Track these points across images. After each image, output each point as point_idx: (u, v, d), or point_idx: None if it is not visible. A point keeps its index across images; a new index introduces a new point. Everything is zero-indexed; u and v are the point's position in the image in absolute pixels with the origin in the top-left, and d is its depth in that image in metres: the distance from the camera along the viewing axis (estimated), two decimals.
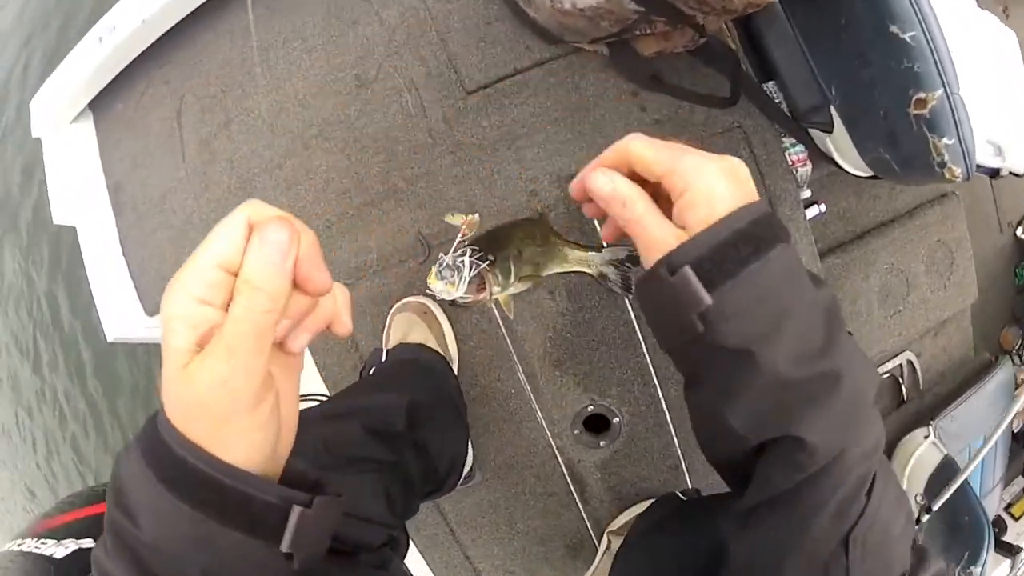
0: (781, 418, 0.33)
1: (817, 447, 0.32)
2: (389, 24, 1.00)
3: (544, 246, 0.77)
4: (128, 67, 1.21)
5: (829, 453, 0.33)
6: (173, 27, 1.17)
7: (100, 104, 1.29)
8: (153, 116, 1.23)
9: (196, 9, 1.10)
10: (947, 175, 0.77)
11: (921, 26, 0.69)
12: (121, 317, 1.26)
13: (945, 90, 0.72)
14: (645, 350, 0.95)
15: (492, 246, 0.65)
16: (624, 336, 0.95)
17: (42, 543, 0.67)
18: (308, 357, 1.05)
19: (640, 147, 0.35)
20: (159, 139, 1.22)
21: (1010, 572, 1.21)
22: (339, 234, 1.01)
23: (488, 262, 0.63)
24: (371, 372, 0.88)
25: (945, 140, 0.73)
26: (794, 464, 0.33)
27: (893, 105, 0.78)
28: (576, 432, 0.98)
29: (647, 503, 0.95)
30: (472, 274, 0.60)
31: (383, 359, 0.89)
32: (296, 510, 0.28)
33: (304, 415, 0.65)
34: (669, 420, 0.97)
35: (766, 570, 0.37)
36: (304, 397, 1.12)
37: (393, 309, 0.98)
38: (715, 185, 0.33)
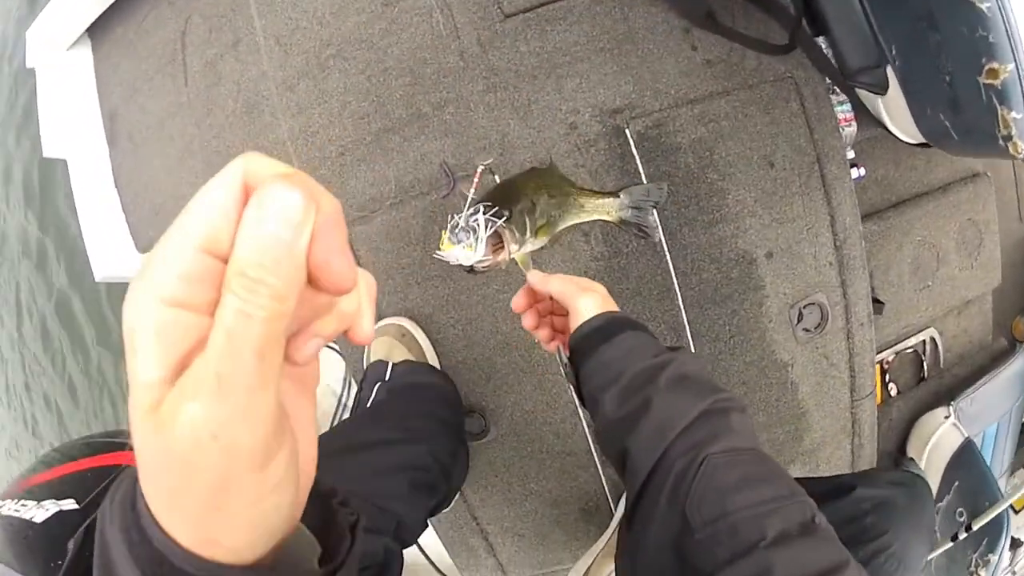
0: (619, 437, 0.51)
1: (639, 451, 0.49)
2: None
3: (558, 196, 0.70)
4: None
5: (652, 455, 0.48)
6: None
7: (99, 28, 1.19)
8: (155, 39, 1.13)
9: None
10: (1011, 149, 0.74)
11: None
12: (111, 255, 1.19)
13: (1017, 65, 0.68)
14: (681, 303, 0.89)
15: (504, 200, 0.60)
16: (661, 287, 0.89)
17: (22, 505, 0.66)
18: None
19: (556, 284, 0.59)
20: (160, 63, 1.12)
21: (1010, 564, 1.21)
22: (354, 162, 0.93)
23: (504, 218, 0.58)
24: (375, 390, 0.83)
25: (1014, 114, 0.70)
26: (632, 470, 0.49)
27: (961, 71, 0.74)
28: None
29: None
30: (489, 232, 0.56)
31: (387, 377, 0.85)
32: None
33: (344, 464, 0.65)
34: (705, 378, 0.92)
35: (644, 543, 0.49)
36: None
37: None
38: (583, 308, 0.56)
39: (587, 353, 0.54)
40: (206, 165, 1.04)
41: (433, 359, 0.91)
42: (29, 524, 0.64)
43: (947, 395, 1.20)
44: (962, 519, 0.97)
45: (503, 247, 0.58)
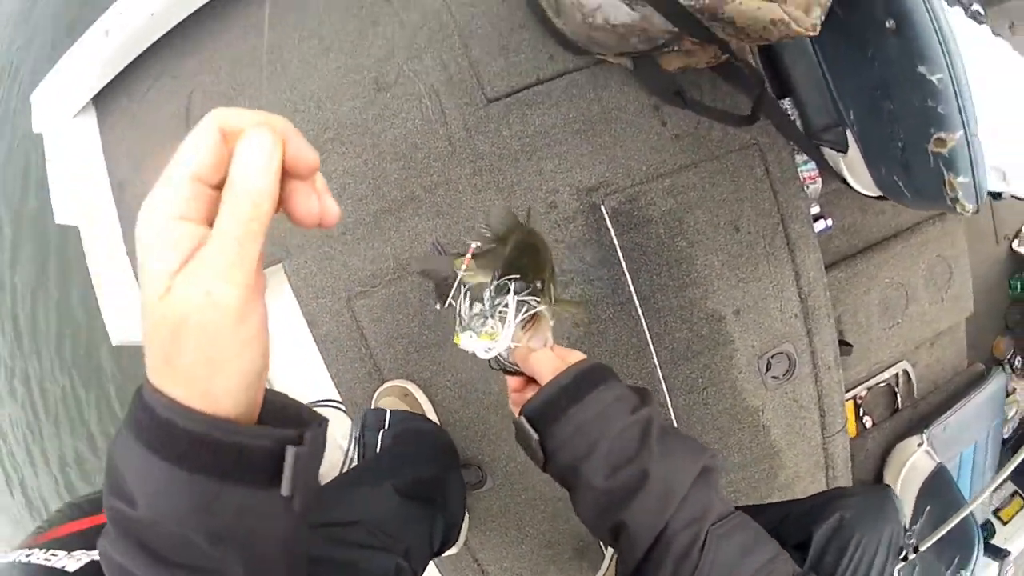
0: (610, 510, 0.46)
1: (638, 527, 0.45)
2: (411, 26, 0.99)
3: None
4: (134, 59, 1.18)
5: (653, 529, 0.45)
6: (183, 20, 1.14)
7: (104, 98, 1.22)
8: (161, 112, 1.18)
9: (206, 3, 1.07)
10: (959, 209, 0.79)
11: (949, 69, 0.71)
12: (127, 320, 1.22)
13: (965, 132, 0.73)
14: (656, 361, 0.97)
15: (527, 262, 0.52)
16: (636, 347, 0.97)
17: (52, 555, 0.62)
18: (321, 364, 1.06)
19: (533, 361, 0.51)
20: (166, 137, 1.17)
21: (998, 575, 1.26)
22: (355, 241, 1.01)
23: (535, 289, 0.49)
24: (380, 437, 0.91)
25: (961, 179, 0.76)
26: (629, 544, 0.46)
27: (912, 139, 0.80)
28: None
29: None
30: (523, 316, 0.48)
31: (387, 424, 0.92)
32: (291, 451, 0.27)
33: (358, 497, 0.71)
34: (675, 427, 1.00)
35: None
36: (319, 403, 1.13)
37: (375, 395, 1.00)
38: (542, 366, 0.49)
39: (556, 417, 0.47)
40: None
41: (432, 417, 1.00)
42: (61, 573, 0.59)
43: (921, 423, 1.26)
44: (911, 541, 1.03)
45: (536, 324, 0.49)
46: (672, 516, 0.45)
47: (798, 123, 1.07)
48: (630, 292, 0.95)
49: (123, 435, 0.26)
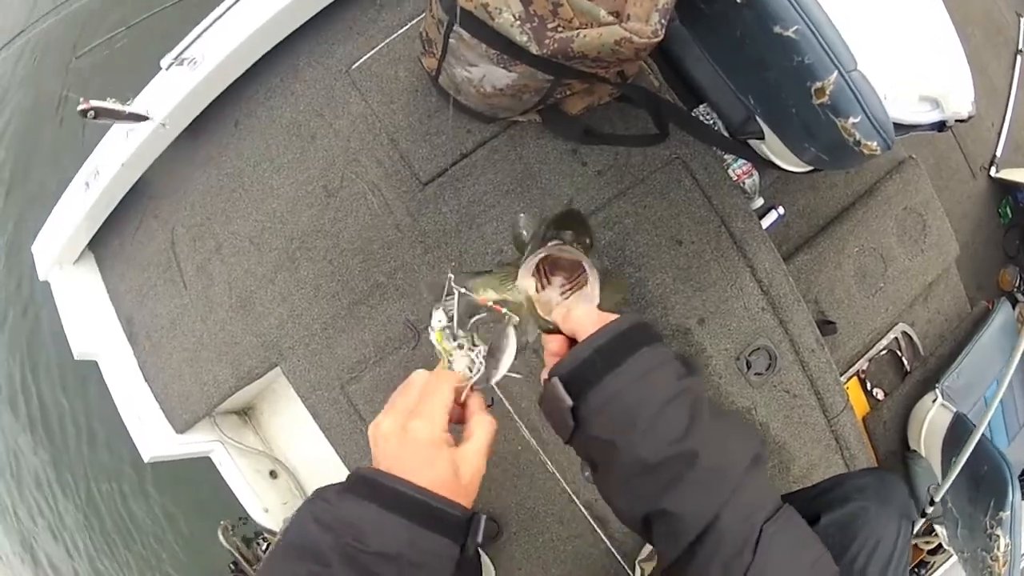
0: (649, 494, 0.41)
1: (683, 516, 0.40)
2: (343, 133, 1.10)
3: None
4: (117, 205, 1.25)
5: (700, 521, 0.40)
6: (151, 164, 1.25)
7: (98, 243, 1.34)
8: (150, 249, 1.29)
9: (170, 144, 1.15)
10: (865, 151, 0.74)
11: (803, 18, 0.69)
12: (154, 438, 1.29)
13: (840, 72, 0.70)
14: None
15: (575, 224, 0.53)
16: None
17: None
18: (330, 449, 1.14)
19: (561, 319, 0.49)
20: (159, 270, 1.28)
21: None
22: (336, 334, 1.10)
23: (584, 246, 0.50)
24: None
25: (852, 120, 0.72)
26: (670, 533, 0.41)
27: (799, 101, 0.77)
28: (586, 474, 1.02)
29: None
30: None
31: None
32: (482, 516, 0.43)
33: None
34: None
35: None
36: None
37: None
38: (583, 324, 0.45)
39: (589, 381, 0.42)
40: (218, 355, 1.21)
41: None
42: None
43: (935, 379, 1.23)
44: (927, 496, 0.98)
45: (580, 285, 0.47)
46: (723, 507, 0.40)
47: (719, 125, 1.11)
48: None
49: (349, 503, 0.40)
